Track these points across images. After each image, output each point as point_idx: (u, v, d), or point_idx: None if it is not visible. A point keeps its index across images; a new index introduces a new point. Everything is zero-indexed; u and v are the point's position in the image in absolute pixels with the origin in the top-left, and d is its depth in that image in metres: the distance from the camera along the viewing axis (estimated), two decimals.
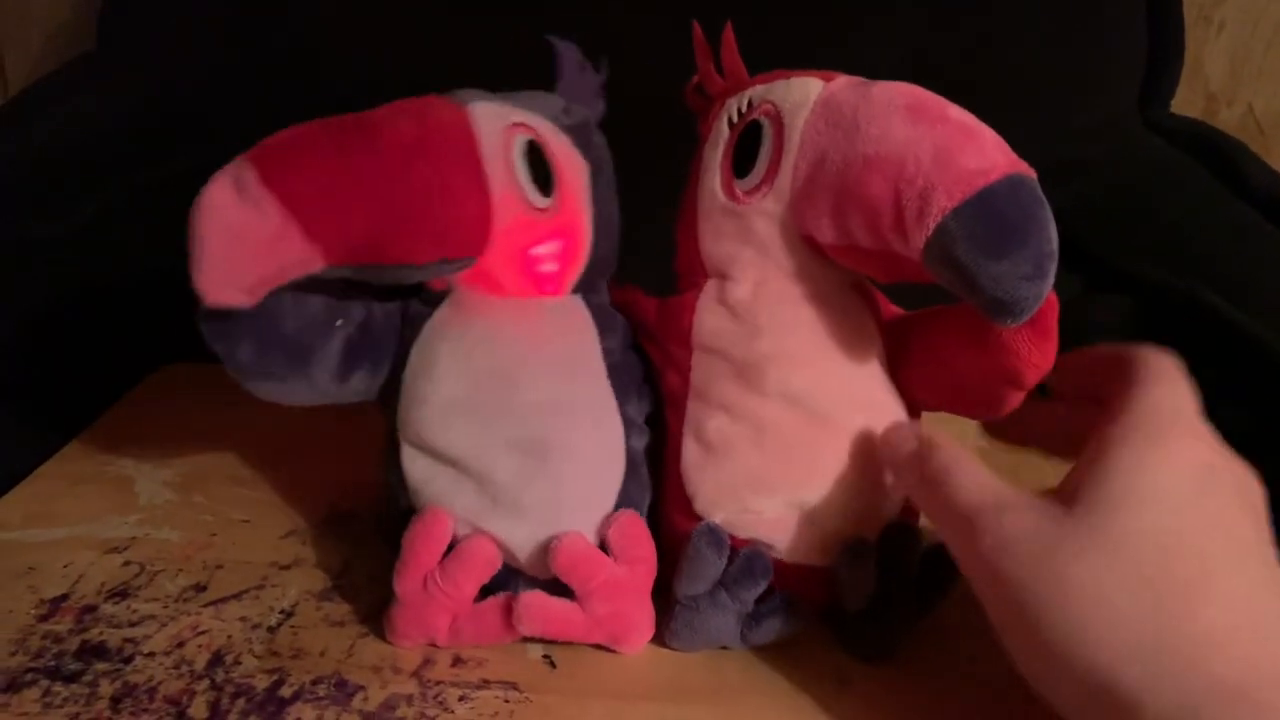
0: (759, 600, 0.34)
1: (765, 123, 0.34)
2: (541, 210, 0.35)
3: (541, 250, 0.37)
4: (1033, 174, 0.29)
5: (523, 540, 0.34)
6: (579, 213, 0.38)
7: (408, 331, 0.37)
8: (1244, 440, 0.45)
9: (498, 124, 0.34)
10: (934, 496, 0.31)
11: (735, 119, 0.36)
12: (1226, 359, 0.47)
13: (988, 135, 0.29)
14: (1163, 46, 0.68)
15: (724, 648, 0.35)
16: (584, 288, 0.38)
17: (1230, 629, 0.25)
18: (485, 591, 0.35)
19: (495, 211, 0.34)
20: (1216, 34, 0.77)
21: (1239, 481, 0.29)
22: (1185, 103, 0.76)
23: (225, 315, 0.32)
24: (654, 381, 0.39)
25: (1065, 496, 0.28)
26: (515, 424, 0.34)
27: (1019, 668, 0.28)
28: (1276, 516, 0.41)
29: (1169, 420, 0.29)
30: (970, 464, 0.31)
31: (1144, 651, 0.25)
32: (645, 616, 0.35)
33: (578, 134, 0.38)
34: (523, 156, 0.35)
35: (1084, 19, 0.67)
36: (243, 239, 0.29)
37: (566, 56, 0.41)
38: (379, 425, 0.38)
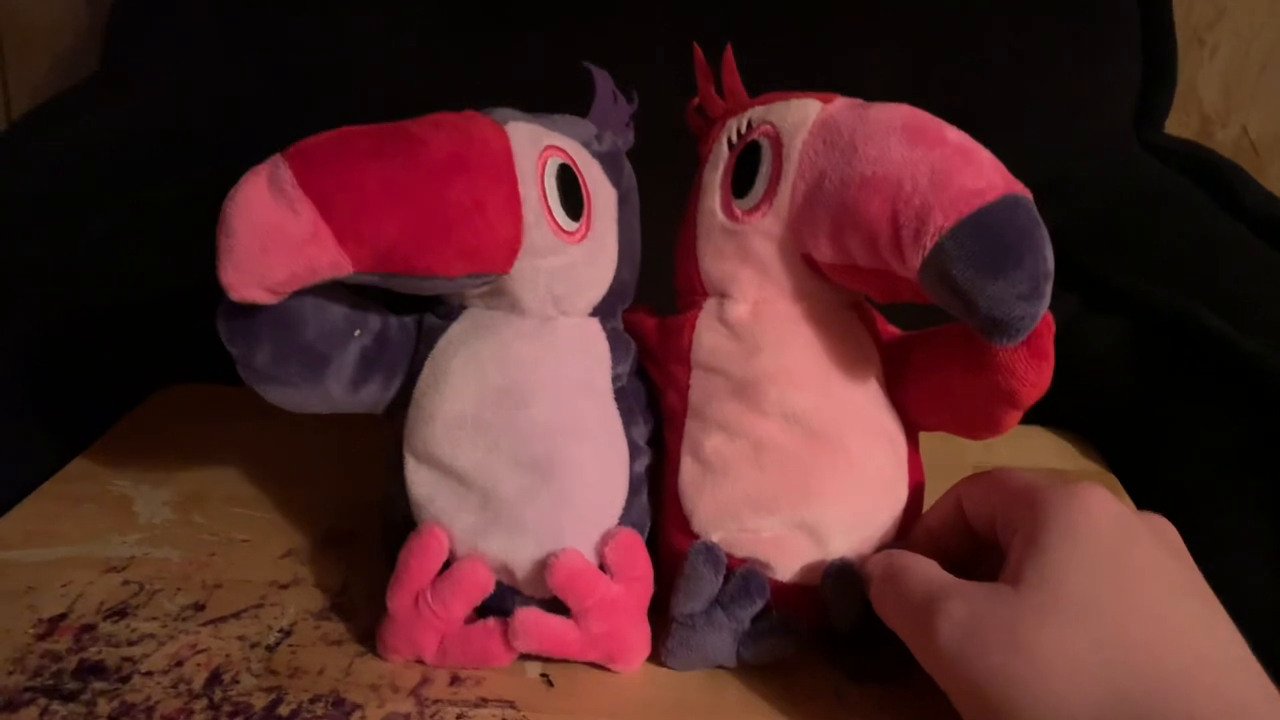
0: (755, 619, 0.34)
1: (764, 143, 0.34)
2: (568, 234, 0.35)
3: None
4: (1029, 194, 0.29)
5: (523, 558, 0.34)
6: (604, 238, 0.38)
7: (422, 344, 0.37)
8: (1242, 458, 0.45)
9: (533, 146, 0.34)
10: (890, 591, 0.32)
11: (735, 140, 0.36)
12: (1223, 378, 0.47)
13: (985, 156, 0.30)
14: (1156, 68, 0.69)
15: (720, 667, 0.35)
16: (602, 313, 0.38)
17: (1193, 667, 0.26)
18: (483, 613, 0.35)
19: (525, 232, 0.34)
20: (1210, 56, 0.78)
21: (1155, 528, 0.30)
22: (1180, 125, 0.76)
23: (246, 317, 0.32)
24: (656, 403, 0.39)
25: (1009, 579, 0.29)
26: (522, 441, 0.34)
27: None
28: (1277, 539, 0.41)
29: (1076, 486, 0.30)
30: (922, 561, 0.32)
31: (1124, 704, 0.25)
32: (642, 635, 0.35)
33: (608, 162, 0.38)
34: (555, 179, 0.35)
35: (1078, 41, 0.67)
36: (274, 238, 0.29)
37: (601, 84, 0.40)
38: (378, 445, 0.38)
